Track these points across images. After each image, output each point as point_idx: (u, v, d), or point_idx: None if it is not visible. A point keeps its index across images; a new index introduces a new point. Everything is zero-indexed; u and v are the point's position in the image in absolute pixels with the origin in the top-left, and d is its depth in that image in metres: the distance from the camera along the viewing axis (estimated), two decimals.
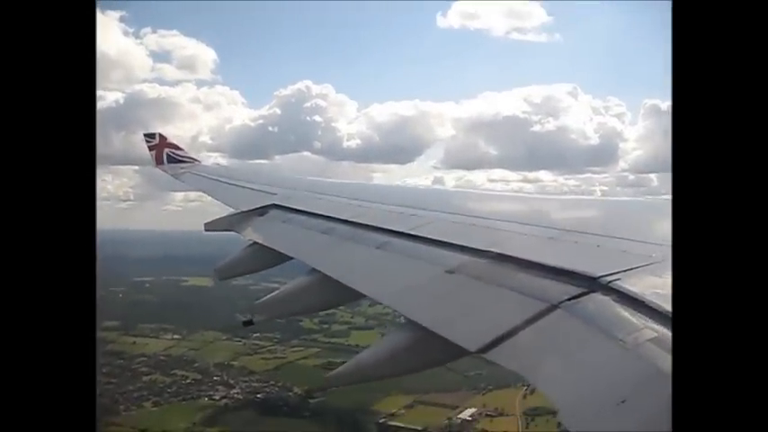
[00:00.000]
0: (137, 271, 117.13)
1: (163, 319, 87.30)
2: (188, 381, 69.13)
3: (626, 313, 2.68)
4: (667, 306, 2.43)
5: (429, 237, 4.66)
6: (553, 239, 4.03)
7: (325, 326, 74.84)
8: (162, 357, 75.96)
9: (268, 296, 5.39)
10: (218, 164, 16.12)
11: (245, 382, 69.24)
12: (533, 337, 2.89)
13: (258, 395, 66.38)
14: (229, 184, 11.28)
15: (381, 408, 61.95)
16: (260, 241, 6.97)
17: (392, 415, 60.76)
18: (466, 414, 57.00)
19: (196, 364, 74.20)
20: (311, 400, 64.62)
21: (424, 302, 3.90)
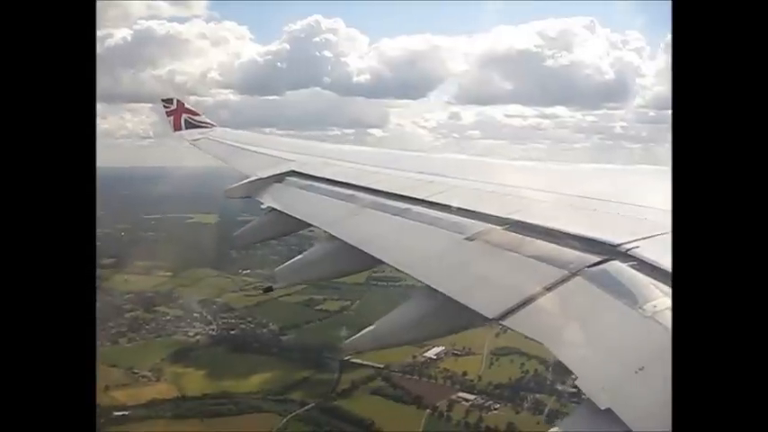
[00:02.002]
0: (146, 208, 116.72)
1: (158, 257, 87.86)
2: (168, 317, 70.43)
3: (645, 281, 2.68)
4: None
5: (448, 204, 4.65)
6: (573, 207, 4.02)
7: None
8: (149, 294, 76.92)
9: (288, 262, 5.47)
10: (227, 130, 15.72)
11: (224, 318, 70.55)
12: (552, 304, 2.88)
13: (232, 331, 67.64)
14: (247, 150, 11.22)
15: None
16: (279, 208, 6.96)
17: (359, 352, 62.02)
18: (432, 352, 57.28)
19: (180, 301, 75.36)
20: (283, 337, 66.12)
21: (443, 270, 3.91)
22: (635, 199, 3.95)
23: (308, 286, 72.84)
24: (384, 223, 5.05)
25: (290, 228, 6.78)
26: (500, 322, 2.98)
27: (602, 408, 2.12)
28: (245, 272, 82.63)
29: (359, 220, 5.36)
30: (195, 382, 57.20)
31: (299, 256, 5.47)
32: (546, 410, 50.64)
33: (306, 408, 53.25)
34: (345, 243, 4.89)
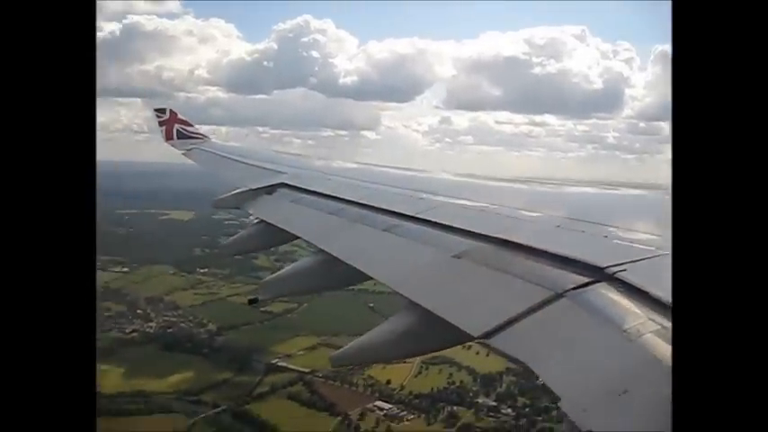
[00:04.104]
0: (124, 203, 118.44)
1: (118, 252, 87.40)
2: (110, 313, 69.32)
3: (630, 304, 2.70)
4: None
5: (437, 221, 4.69)
6: (560, 228, 4.05)
7: (279, 263, 74.77)
8: (99, 289, 76.27)
9: (274, 274, 5.51)
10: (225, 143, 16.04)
11: (166, 316, 70.62)
12: (537, 324, 2.90)
13: (170, 330, 67.49)
14: (238, 161, 11.34)
15: (282, 349, 63.13)
16: (268, 220, 6.98)
17: (288, 356, 61.78)
18: None
19: (128, 297, 75.10)
20: (218, 338, 65.96)
21: (429, 286, 3.92)
22: (623, 222, 4.01)
23: (259, 286, 73.33)
24: (372, 238, 5.09)
25: (278, 239, 6.84)
26: (485, 341, 2.99)
27: (584, 430, 2.13)
28: (202, 270, 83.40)
29: (347, 235, 5.40)
30: (114, 379, 56.27)
31: (287, 269, 5.49)
32: (458, 424, 51.41)
33: (216, 410, 52.74)
34: (333, 257, 4.90)
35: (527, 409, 53.14)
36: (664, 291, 2.57)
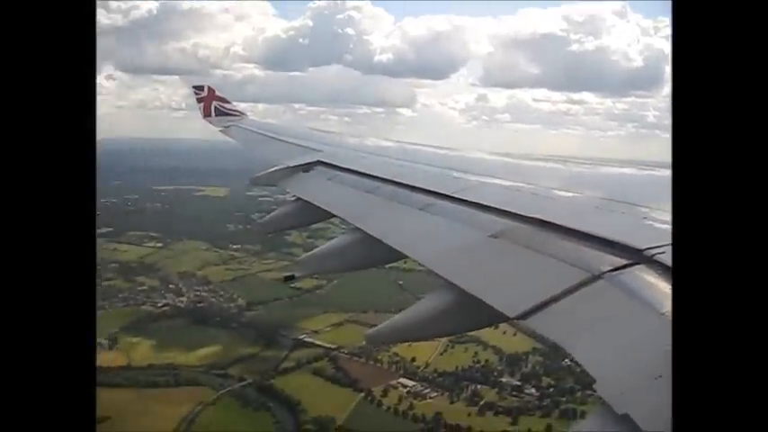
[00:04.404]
0: (160, 180, 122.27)
1: (153, 227, 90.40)
2: (143, 287, 71.58)
3: (669, 287, 2.64)
4: None
5: (473, 200, 4.66)
6: (599, 209, 4.01)
7: (311, 240, 75.34)
8: (133, 264, 78.48)
9: (311, 252, 5.52)
10: (265, 120, 16.37)
11: (197, 291, 72.21)
12: (574, 306, 2.88)
13: (200, 304, 68.95)
14: (275, 138, 11.39)
15: (310, 325, 63.99)
16: (305, 197, 7.01)
17: (315, 332, 62.59)
18: None
19: (161, 272, 77.04)
20: (247, 313, 67.21)
21: (465, 266, 3.90)
22: (662, 203, 3.90)
23: (290, 263, 74.53)
24: (408, 217, 5.07)
25: (315, 217, 6.83)
26: (521, 322, 2.97)
27: (620, 413, 2.11)
28: (235, 246, 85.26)
29: (383, 213, 5.40)
30: (145, 352, 58.00)
31: (323, 246, 5.50)
32: (481, 403, 51.64)
33: (242, 384, 53.99)
34: (369, 235, 4.90)
35: (551, 390, 53.24)
36: None
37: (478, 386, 54.03)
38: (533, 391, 53.26)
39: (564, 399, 51.69)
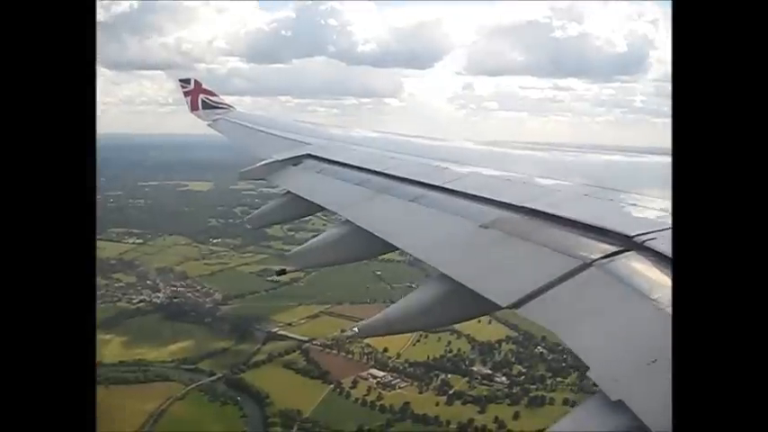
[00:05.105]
0: (145, 176, 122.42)
1: (134, 224, 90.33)
2: (120, 284, 71.46)
3: (659, 273, 2.69)
4: None
5: (463, 191, 4.68)
6: (588, 196, 4.03)
7: (291, 233, 74.07)
8: (112, 261, 77.88)
9: (301, 246, 5.47)
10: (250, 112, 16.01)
11: (174, 287, 72.22)
12: (566, 294, 2.89)
13: (176, 299, 69.04)
14: (263, 132, 11.34)
15: (285, 318, 64.23)
16: (294, 191, 6.97)
17: (289, 325, 62.83)
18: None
19: (140, 268, 76.75)
20: (223, 307, 67.34)
21: (457, 257, 3.92)
22: (651, 190, 4.00)
23: (269, 256, 74.79)
24: (399, 209, 5.07)
25: (305, 211, 6.81)
26: (514, 310, 2.99)
27: (614, 399, 2.14)
28: (215, 240, 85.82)
29: (373, 206, 5.38)
30: (116, 349, 57.25)
31: (313, 240, 5.45)
32: (450, 392, 52.09)
33: (212, 378, 53.93)
34: (360, 228, 4.89)
35: (521, 378, 53.85)
36: None
37: (449, 375, 54.35)
38: (504, 379, 53.72)
39: (534, 386, 52.37)
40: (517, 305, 2.95)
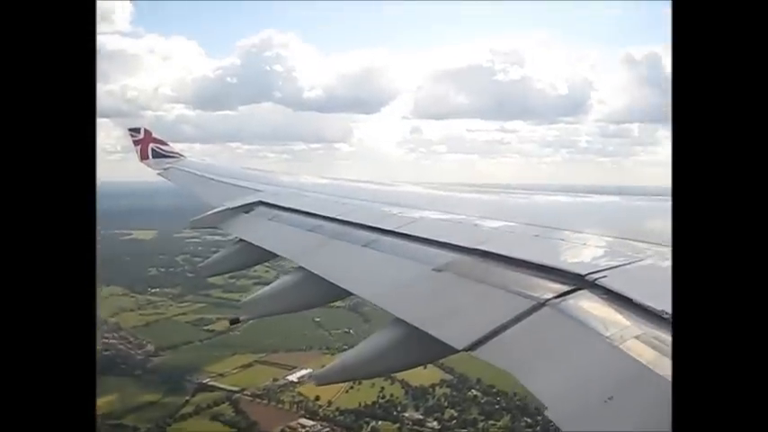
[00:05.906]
0: None
1: None
2: None
3: (612, 311, 2.75)
4: (653, 303, 2.56)
5: (416, 235, 4.71)
6: (539, 237, 4.10)
7: (232, 280, 72.96)
8: None
9: (255, 294, 5.45)
10: (203, 159, 15.84)
11: (106, 338, 69.25)
12: (521, 334, 2.92)
13: (106, 352, 66.09)
14: (214, 180, 11.29)
15: (218, 368, 62.81)
16: (246, 239, 6.92)
17: (221, 375, 61.44)
18: (295, 375, 57.90)
19: None
20: (154, 359, 65.44)
21: (411, 300, 3.93)
22: (600, 229, 4.14)
23: (207, 304, 74.19)
24: (352, 254, 5.07)
25: (258, 258, 6.75)
26: (470, 353, 3.00)
27: None
28: (153, 290, 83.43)
29: (327, 251, 5.37)
30: None
31: (266, 288, 5.43)
32: None
33: None
34: (313, 274, 4.88)
35: (453, 422, 53.68)
36: (645, 296, 2.67)
37: (379, 422, 53.54)
38: (435, 424, 53.33)
39: (465, 430, 52.34)
40: (473, 347, 2.96)
